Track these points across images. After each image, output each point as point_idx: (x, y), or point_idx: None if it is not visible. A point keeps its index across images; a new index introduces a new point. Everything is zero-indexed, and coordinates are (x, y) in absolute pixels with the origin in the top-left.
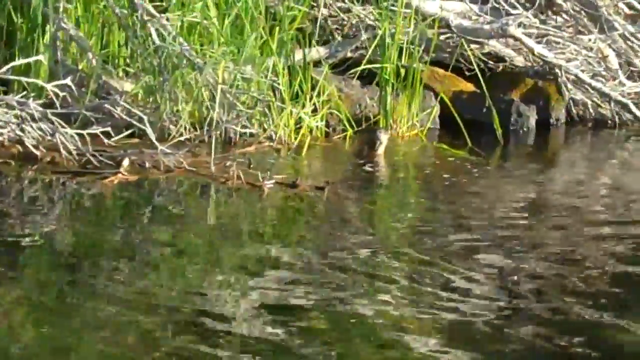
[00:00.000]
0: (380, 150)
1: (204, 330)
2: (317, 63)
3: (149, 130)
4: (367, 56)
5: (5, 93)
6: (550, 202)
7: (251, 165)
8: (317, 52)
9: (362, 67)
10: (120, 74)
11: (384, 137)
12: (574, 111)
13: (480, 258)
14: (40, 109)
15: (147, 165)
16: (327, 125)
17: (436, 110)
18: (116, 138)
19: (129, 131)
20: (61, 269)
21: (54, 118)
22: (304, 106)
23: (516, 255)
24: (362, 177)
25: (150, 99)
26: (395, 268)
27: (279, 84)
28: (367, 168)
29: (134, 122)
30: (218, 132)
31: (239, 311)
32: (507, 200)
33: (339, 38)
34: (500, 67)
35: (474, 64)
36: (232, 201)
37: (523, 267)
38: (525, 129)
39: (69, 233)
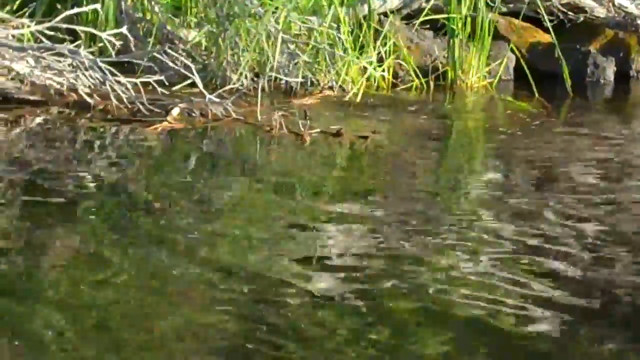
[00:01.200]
0: None
1: (269, 281)
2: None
3: (197, 79)
4: (428, 6)
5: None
6: (616, 157)
7: (307, 115)
8: (391, 2)
9: (423, 17)
10: (192, 24)
11: None
12: None
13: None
14: (91, 57)
15: (196, 113)
16: (396, 76)
17: (507, 61)
18: (177, 87)
19: (190, 80)
20: (119, 216)
21: (104, 66)
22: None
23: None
24: (417, 127)
25: (214, 48)
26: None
27: (340, 32)
28: (422, 120)
29: (183, 71)
30: (280, 81)
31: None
32: (571, 158)
33: None
34: (581, 18)
35: (545, 14)
36: (269, 148)
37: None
38: (602, 81)
39: (112, 179)
